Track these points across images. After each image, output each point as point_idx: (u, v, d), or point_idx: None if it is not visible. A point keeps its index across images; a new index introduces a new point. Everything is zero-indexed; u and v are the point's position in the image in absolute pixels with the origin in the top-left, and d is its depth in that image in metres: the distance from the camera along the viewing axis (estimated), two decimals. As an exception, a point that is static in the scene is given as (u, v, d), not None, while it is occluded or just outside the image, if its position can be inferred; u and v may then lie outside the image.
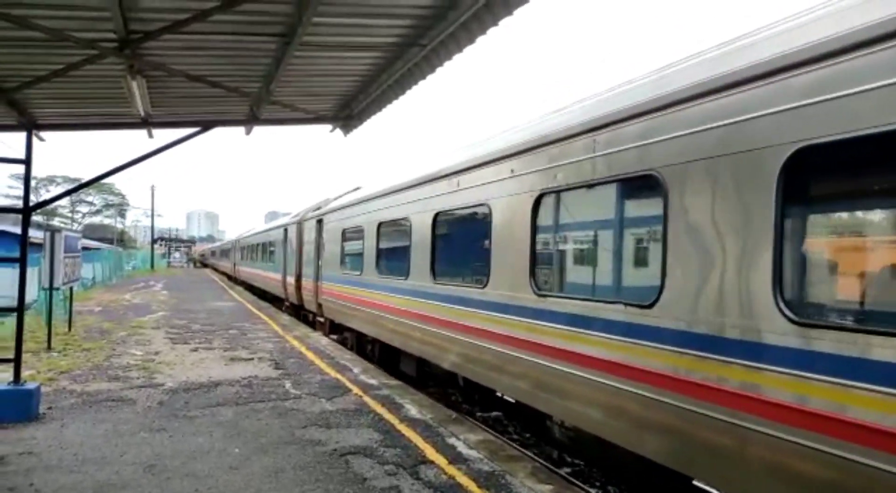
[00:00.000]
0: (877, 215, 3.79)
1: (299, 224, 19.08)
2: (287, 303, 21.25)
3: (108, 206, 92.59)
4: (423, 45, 5.45)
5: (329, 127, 8.00)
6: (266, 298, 26.65)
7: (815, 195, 4.01)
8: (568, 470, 6.80)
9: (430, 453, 5.85)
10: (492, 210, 6.93)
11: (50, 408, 7.15)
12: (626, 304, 4.83)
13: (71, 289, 14.35)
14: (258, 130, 8.09)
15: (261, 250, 28.90)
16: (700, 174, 4.22)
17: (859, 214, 3.99)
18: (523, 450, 6.84)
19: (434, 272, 8.47)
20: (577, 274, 6.17)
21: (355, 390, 8.51)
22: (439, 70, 5.80)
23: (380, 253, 11.03)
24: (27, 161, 6.91)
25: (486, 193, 7.08)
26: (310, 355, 11.40)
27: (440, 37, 5.21)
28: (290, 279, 19.77)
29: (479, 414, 8.85)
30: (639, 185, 4.96)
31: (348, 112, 7.58)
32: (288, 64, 5.73)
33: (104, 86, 6.27)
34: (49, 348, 11.44)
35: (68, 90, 6.43)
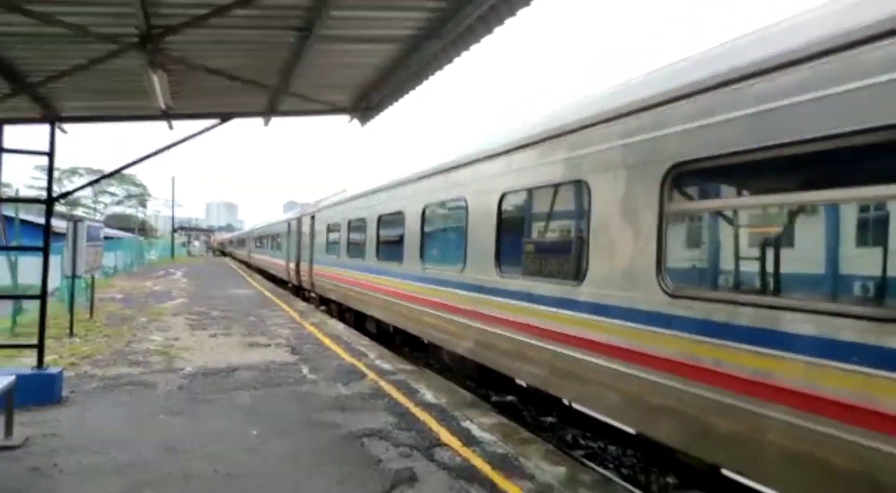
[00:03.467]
0: (523, 227, 7.25)
1: (299, 219, 22.84)
2: (290, 284, 25.05)
3: (129, 196, 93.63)
4: (441, 37, 5.50)
5: (346, 118, 8.08)
6: (274, 281, 29.08)
7: (506, 218, 7.26)
8: (581, 452, 6.90)
9: (445, 436, 5.98)
10: (406, 216, 10.40)
11: (72, 392, 7.35)
12: (453, 271, 8.35)
13: (92, 277, 14.67)
14: (276, 120, 8.20)
15: (270, 240, 33.30)
16: (480, 202, 7.69)
17: (523, 225, 7.25)
18: (537, 433, 6.95)
19: (378, 255, 12.13)
20: (435, 252, 9.57)
21: (371, 374, 8.66)
22: (456, 60, 5.85)
23: (349, 242, 14.68)
24: (50, 153, 7.08)
25: (401, 203, 10.75)
26: (326, 341, 11.59)
27: (458, 28, 5.25)
28: (292, 264, 23.55)
29: (493, 399, 8.97)
30: (459, 205, 8.33)
31: (366, 103, 7.65)
32: (306, 57, 5.81)
33: (125, 79, 6.39)
34: (71, 334, 11.72)
35: (91, 84, 6.57)
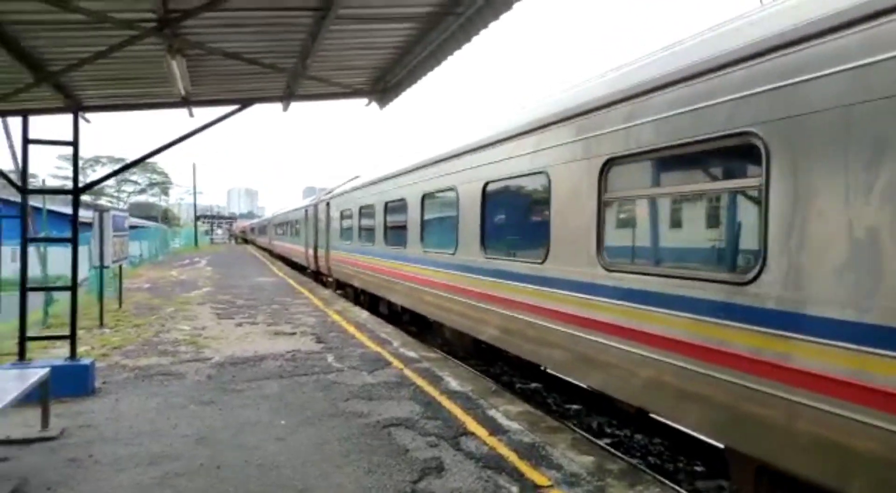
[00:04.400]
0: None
1: (315, 206, 23.55)
2: (309, 270, 25.65)
3: (152, 184, 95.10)
4: (459, 13, 5.34)
5: (365, 101, 7.96)
6: (296, 268, 29.59)
7: (489, 204, 8.02)
8: (608, 441, 6.79)
9: (471, 424, 5.90)
10: (407, 203, 11.30)
11: (105, 383, 7.44)
12: (447, 253, 9.22)
13: (120, 267, 14.82)
14: (296, 105, 8.11)
15: (289, 226, 34.12)
16: (467, 190, 8.51)
17: (503, 211, 8.13)
18: (563, 421, 6.85)
19: (385, 239, 13.04)
20: (433, 237, 10.27)
21: (396, 362, 8.62)
22: (475, 39, 5.68)
23: (361, 228, 15.56)
24: (75, 143, 7.08)
25: (404, 191, 11.64)
26: (350, 329, 11.58)
27: (476, 3, 5.09)
28: (311, 250, 24.31)
29: (518, 386, 8.88)
30: (451, 194, 9.17)
31: (384, 85, 7.52)
32: (323, 38, 5.69)
33: (145, 66, 6.33)
34: (101, 324, 11.88)
35: (111, 71, 6.52)
